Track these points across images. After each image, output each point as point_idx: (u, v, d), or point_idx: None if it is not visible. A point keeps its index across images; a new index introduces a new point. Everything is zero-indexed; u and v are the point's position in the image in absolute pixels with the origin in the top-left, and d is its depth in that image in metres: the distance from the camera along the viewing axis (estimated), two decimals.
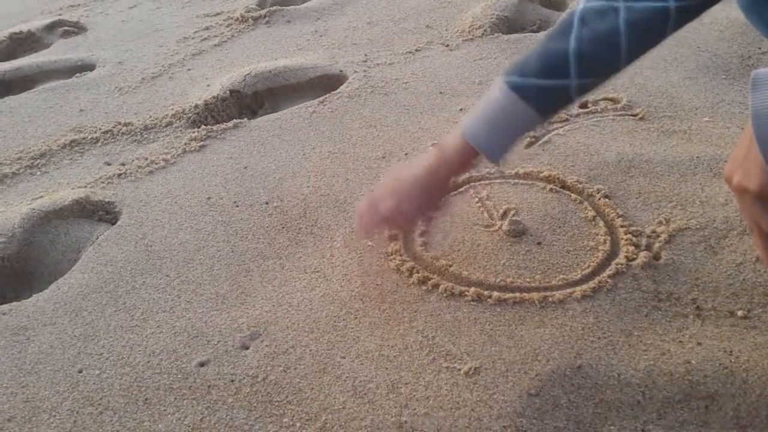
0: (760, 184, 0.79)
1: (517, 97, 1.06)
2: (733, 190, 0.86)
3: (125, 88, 2.44)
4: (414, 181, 1.17)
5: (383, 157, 1.74)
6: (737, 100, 1.80)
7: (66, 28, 3.24)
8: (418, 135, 1.82)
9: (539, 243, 1.34)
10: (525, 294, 1.21)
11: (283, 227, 1.51)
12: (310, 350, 1.16)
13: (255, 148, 1.88)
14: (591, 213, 1.39)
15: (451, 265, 1.30)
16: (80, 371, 1.18)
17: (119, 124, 2.11)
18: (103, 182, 1.79)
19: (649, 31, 1.00)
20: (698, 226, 1.32)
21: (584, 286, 1.21)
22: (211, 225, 1.55)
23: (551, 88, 1.04)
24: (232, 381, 1.12)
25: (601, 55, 1.01)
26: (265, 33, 2.86)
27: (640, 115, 1.76)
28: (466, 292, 1.23)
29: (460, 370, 1.08)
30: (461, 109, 1.93)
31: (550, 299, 1.19)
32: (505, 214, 1.43)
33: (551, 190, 1.49)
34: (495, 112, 1.09)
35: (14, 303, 1.39)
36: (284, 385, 1.10)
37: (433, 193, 1.20)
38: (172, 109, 2.17)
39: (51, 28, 3.24)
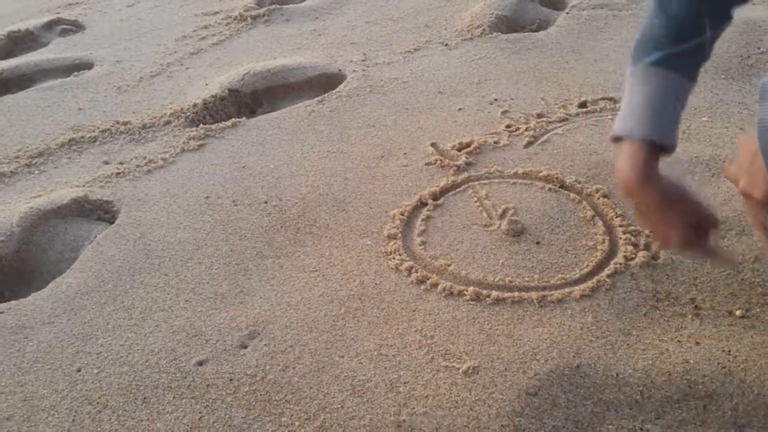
0: (765, 192, 0.80)
1: (663, 71, 1.00)
2: (740, 193, 0.87)
3: (123, 86, 2.44)
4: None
5: (382, 157, 1.74)
6: (736, 100, 1.80)
7: (64, 26, 3.23)
8: (417, 134, 1.82)
9: (538, 242, 1.34)
10: (524, 293, 1.21)
11: (281, 226, 1.51)
12: (309, 349, 1.16)
13: (254, 148, 1.87)
14: (590, 212, 1.39)
15: (449, 265, 1.30)
16: (79, 370, 1.18)
17: (117, 123, 2.11)
18: (101, 181, 1.78)
19: None
20: None
21: (583, 286, 1.21)
22: (209, 224, 1.55)
23: (692, 49, 0.99)
24: (231, 380, 1.11)
25: (722, 5, 0.99)
26: (264, 32, 2.86)
27: None
28: (465, 292, 1.23)
29: (458, 369, 1.08)
30: (460, 109, 1.93)
31: (549, 299, 1.19)
32: (503, 213, 1.43)
33: (550, 189, 1.49)
34: (652, 97, 1.01)
35: (12, 302, 1.39)
36: (283, 384, 1.10)
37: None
38: (171, 108, 2.17)
39: (49, 26, 3.23)
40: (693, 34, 0.99)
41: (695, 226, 0.96)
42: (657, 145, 0.99)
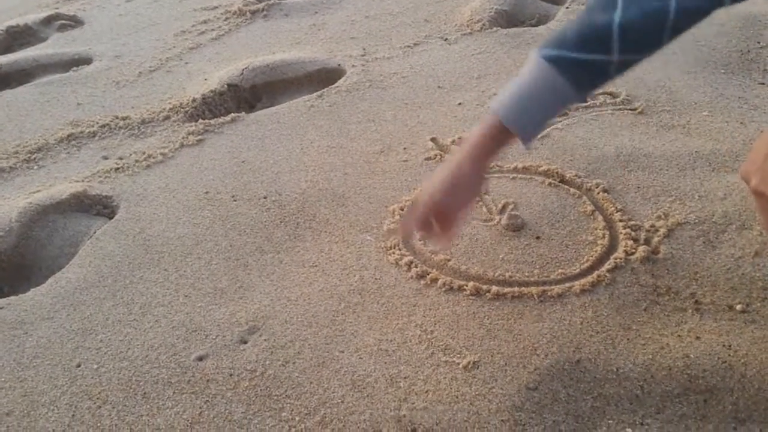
0: None
1: (552, 69, 1.00)
2: (751, 191, 0.87)
3: (122, 81, 2.43)
4: (447, 173, 1.08)
5: (381, 152, 1.73)
6: (736, 95, 1.80)
7: (63, 21, 3.22)
8: (416, 129, 1.82)
9: (538, 237, 1.34)
10: (524, 288, 1.21)
11: (281, 221, 1.50)
12: (309, 344, 1.16)
13: (253, 143, 1.87)
14: (590, 207, 1.39)
15: (449, 260, 1.30)
16: (78, 365, 1.17)
17: (117, 118, 2.11)
18: (100, 176, 1.78)
19: (698, 11, 0.97)
20: (697, 221, 1.32)
21: (583, 281, 1.21)
22: (209, 219, 1.54)
23: (590, 62, 0.97)
24: (231, 375, 1.11)
25: (644, 32, 0.98)
26: (263, 26, 2.85)
27: (639, 110, 1.76)
28: (465, 287, 1.22)
29: (458, 364, 1.08)
30: (460, 104, 1.93)
31: (549, 293, 1.19)
32: (503, 208, 1.43)
33: (550, 184, 1.49)
34: (528, 86, 1.02)
35: (12, 297, 1.38)
36: (283, 379, 1.09)
37: (468, 181, 1.08)
38: (170, 103, 2.16)
39: (48, 21, 3.22)
40: (599, 48, 0.97)
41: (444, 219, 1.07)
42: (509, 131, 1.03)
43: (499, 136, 1.05)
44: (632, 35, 0.96)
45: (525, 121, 1.03)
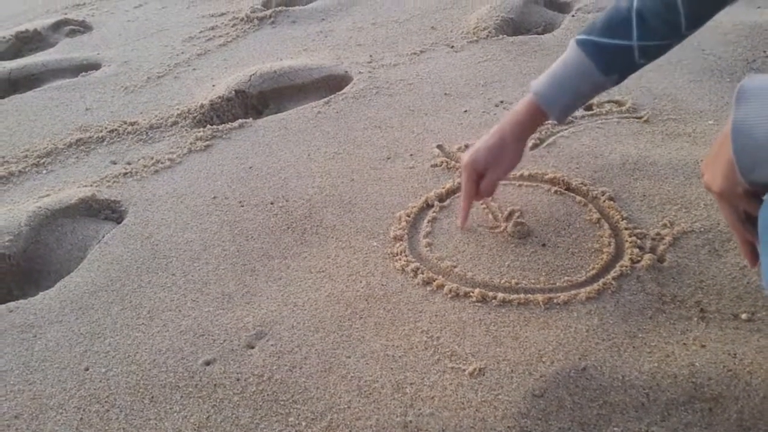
0: (721, 186, 0.85)
1: (580, 53, 1.10)
2: (705, 186, 0.92)
3: (131, 87, 2.45)
4: (490, 141, 1.26)
5: (388, 158, 1.74)
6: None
7: (72, 27, 3.25)
8: (423, 136, 1.83)
9: (544, 245, 1.34)
10: (530, 295, 1.22)
11: (288, 227, 1.51)
12: (316, 350, 1.16)
13: (260, 148, 1.88)
14: (596, 215, 1.40)
15: (456, 266, 1.31)
16: (87, 369, 1.18)
17: (125, 123, 2.12)
18: (108, 181, 1.79)
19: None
20: (702, 229, 1.32)
21: (589, 288, 1.21)
22: (216, 224, 1.55)
23: (612, 47, 1.07)
24: (238, 380, 1.12)
25: (660, 18, 1.02)
26: (270, 33, 2.87)
27: (644, 118, 1.76)
28: (471, 293, 1.23)
29: (464, 370, 1.08)
30: (466, 111, 1.94)
31: (555, 301, 1.19)
32: (510, 215, 1.43)
33: (556, 192, 1.49)
34: (560, 68, 1.14)
35: (21, 301, 1.40)
36: (290, 384, 1.10)
37: (509, 151, 1.26)
38: (178, 108, 2.18)
39: (57, 27, 3.25)
40: (620, 34, 1.06)
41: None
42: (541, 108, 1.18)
43: (535, 113, 1.21)
44: (648, 20, 1.01)
45: (556, 101, 1.16)
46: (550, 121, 1.27)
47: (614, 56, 1.09)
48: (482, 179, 1.29)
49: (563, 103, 1.17)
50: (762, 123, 0.74)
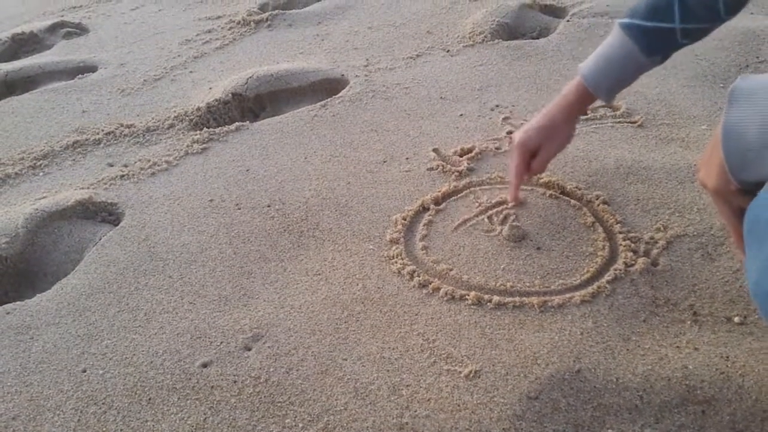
0: (716, 184, 0.87)
1: (624, 36, 1.16)
2: (699, 184, 0.95)
3: (127, 89, 2.45)
4: (541, 121, 1.32)
5: (384, 161, 1.75)
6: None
7: (68, 29, 3.25)
8: (419, 139, 1.84)
9: (539, 248, 1.35)
10: (525, 298, 1.23)
11: (285, 230, 1.52)
12: (312, 352, 1.17)
13: (257, 151, 1.89)
14: (590, 219, 1.41)
15: (451, 269, 1.32)
16: (84, 371, 1.19)
17: (121, 125, 2.13)
18: (105, 183, 1.80)
19: None
20: (696, 233, 1.34)
21: (583, 291, 1.22)
22: (213, 227, 1.56)
23: (655, 29, 1.12)
24: (235, 382, 1.13)
25: (701, 2, 1.07)
26: (267, 36, 2.88)
27: (638, 123, 1.78)
28: (467, 296, 1.24)
29: (460, 373, 1.09)
30: (461, 115, 1.95)
31: (550, 304, 1.21)
32: (505, 219, 1.44)
33: (551, 195, 1.50)
34: (606, 52, 1.21)
35: (18, 302, 1.40)
36: (287, 386, 1.11)
37: (559, 129, 1.33)
38: (175, 111, 2.19)
39: (53, 29, 3.25)
40: (662, 17, 1.11)
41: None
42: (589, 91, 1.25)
43: (583, 94, 1.27)
44: (689, 5, 1.06)
45: (602, 81, 1.23)
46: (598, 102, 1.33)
47: (657, 38, 1.14)
48: (534, 158, 1.35)
49: (609, 84, 1.23)
50: (752, 124, 0.75)
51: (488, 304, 1.22)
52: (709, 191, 0.91)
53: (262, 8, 3.25)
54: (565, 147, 1.36)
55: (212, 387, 1.12)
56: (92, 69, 2.74)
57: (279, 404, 1.08)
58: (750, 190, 0.82)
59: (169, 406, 1.10)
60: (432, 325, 1.19)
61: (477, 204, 1.50)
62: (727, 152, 0.79)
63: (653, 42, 1.15)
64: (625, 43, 1.17)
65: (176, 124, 2.10)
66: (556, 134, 1.33)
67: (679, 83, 1.98)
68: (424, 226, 1.46)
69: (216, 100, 2.19)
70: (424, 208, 1.52)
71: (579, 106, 1.31)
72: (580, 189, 1.50)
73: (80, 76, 2.66)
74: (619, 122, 1.81)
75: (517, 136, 1.35)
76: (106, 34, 3.18)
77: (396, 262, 1.35)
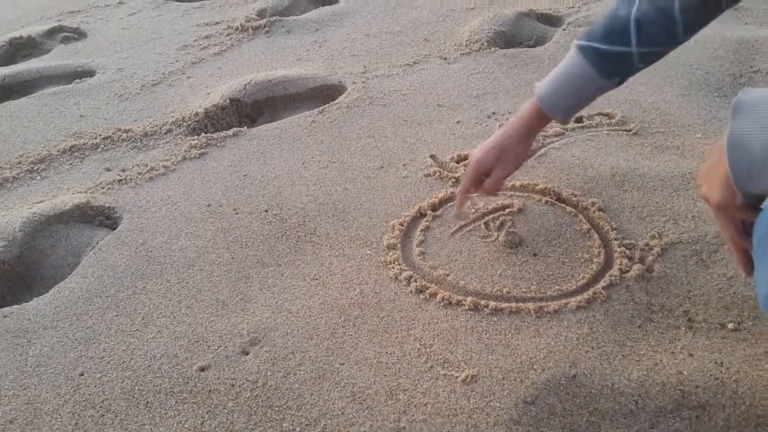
0: (720, 198, 0.86)
1: (581, 58, 1.16)
2: (701, 198, 0.94)
3: (125, 94, 2.46)
4: (497, 140, 1.31)
5: (381, 167, 1.76)
6: (729, 118, 1.83)
7: (66, 33, 3.25)
8: (416, 146, 1.85)
9: (535, 254, 1.36)
10: (521, 304, 1.24)
11: (282, 235, 1.53)
12: (310, 356, 1.18)
13: (254, 157, 1.90)
14: (586, 225, 1.42)
15: (448, 275, 1.33)
16: (81, 374, 1.19)
17: (119, 130, 2.13)
18: (103, 188, 1.80)
19: (705, 6, 1.05)
20: (690, 240, 1.35)
21: (579, 297, 1.23)
22: (211, 232, 1.57)
23: (612, 53, 1.12)
24: (233, 386, 1.13)
25: (658, 26, 1.06)
26: (265, 43, 2.89)
27: (634, 131, 1.79)
28: (464, 302, 1.25)
29: (457, 377, 1.10)
30: (458, 122, 1.96)
31: (546, 309, 1.21)
32: (501, 225, 1.45)
33: (547, 202, 1.52)
34: (563, 72, 1.20)
35: (15, 306, 1.40)
36: (284, 390, 1.11)
37: (514, 149, 1.30)
38: (172, 116, 2.19)
39: (51, 33, 3.25)
40: (619, 41, 1.11)
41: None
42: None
43: (540, 114, 1.26)
44: (646, 28, 1.06)
45: (557, 103, 1.22)
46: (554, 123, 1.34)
47: (614, 62, 1.13)
48: (488, 177, 1.34)
49: (566, 105, 1.23)
50: (757, 136, 0.76)
51: (485, 309, 1.23)
52: (713, 207, 0.90)
53: (260, 14, 3.26)
54: (517, 168, 1.35)
55: (210, 391, 1.13)
56: (90, 74, 2.75)
57: (276, 408, 1.08)
58: (754, 204, 0.82)
59: (166, 410, 1.10)
60: (429, 330, 1.20)
61: (474, 210, 1.51)
62: (733, 165, 0.79)
63: (610, 65, 1.14)
64: (582, 65, 1.16)
65: (174, 129, 2.11)
66: (510, 155, 1.31)
67: (674, 92, 2.00)
68: (421, 231, 1.47)
69: (214, 106, 2.20)
70: (421, 214, 1.53)
71: (535, 126, 1.29)
72: (575, 196, 1.52)
73: (78, 80, 2.66)
74: (615, 130, 1.82)
75: (475, 153, 1.34)
76: (104, 39, 3.18)
77: (393, 268, 1.36)
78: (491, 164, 1.31)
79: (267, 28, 3.02)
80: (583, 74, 1.16)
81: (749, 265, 0.91)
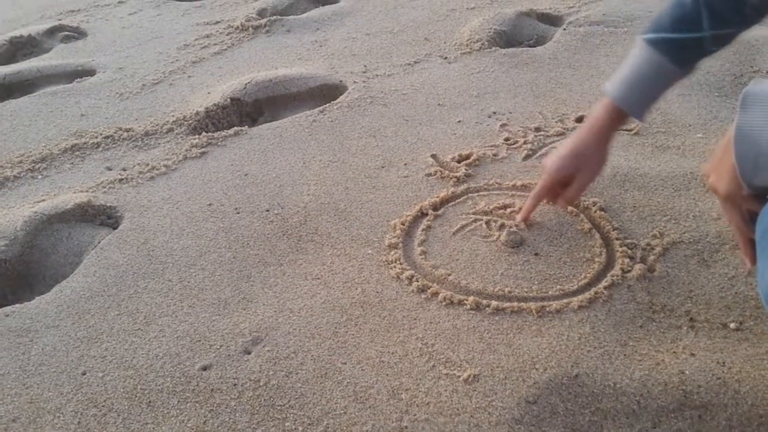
0: (727, 189, 0.88)
1: (652, 50, 1.14)
2: (709, 189, 0.95)
3: (126, 93, 2.46)
4: (571, 146, 1.30)
5: (382, 167, 1.76)
6: (730, 117, 1.84)
7: (66, 32, 3.25)
8: (416, 145, 1.85)
9: (537, 254, 1.37)
10: (523, 303, 1.24)
11: (283, 234, 1.53)
12: (312, 356, 1.18)
13: (255, 156, 1.90)
14: (587, 225, 1.42)
15: (450, 274, 1.33)
16: (84, 373, 1.19)
17: (120, 129, 2.13)
18: (104, 187, 1.80)
19: None
20: (691, 240, 1.35)
21: (581, 297, 1.23)
22: (212, 231, 1.57)
23: (684, 40, 1.11)
24: (235, 385, 1.13)
25: (728, 6, 1.06)
26: (266, 42, 2.89)
27: (634, 131, 1.80)
28: (465, 301, 1.25)
29: (459, 377, 1.10)
30: (459, 121, 1.96)
31: (548, 309, 1.22)
32: (502, 225, 1.45)
33: (548, 202, 1.52)
34: (634, 68, 1.18)
35: (16, 305, 1.40)
36: (286, 389, 1.11)
37: (592, 153, 1.29)
38: (173, 115, 2.19)
39: (51, 32, 3.25)
40: (690, 27, 1.10)
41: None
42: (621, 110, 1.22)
43: (614, 114, 1.24)
44: (717, 11, 1.06)
45: (634, 99, 1.21)
46: (633, 121, 1.33)
47: (688, 49, 1.13)
48: (566, 186, 1.33)
49: (643, 101, 1.21)
50: (765, 129, 0.76)
51: (486, 308, 1.23)
52: (720, 196, 0.91)
53: (261, 14, 3.26)
54: (599, 174, 1.33)
55: (212, 390, 1.13)
56: (91, 73, 2.74)
57: (278, 407, 1.08)
58: (761, 195, 0.82)
59: (168, 409, 1.10)
60: (431, 330, 1.20)
61: (475, 209, 1.51)
62: (740, 156, 0.80)
63: (684, 53, 1.14)
64: (654, 58, 1.15)
65: (175, 129, 2.11)
66: (590, 161, 1.29)
67: (674, 92, 2.00)
68: (422, 231, 1.47)
69: (214, 105, 2.20)
70: (423, 214, 1.53)
71: (612, 128, 1.27)
72: None
73: (79, 79, 2.66)
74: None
75: (549, 162, 1.32)
76: (105, 38, 3.18)
77: (395, 267, 1.36)
78: (569, 172, 1.30)
79: (267, 28, 3.02)
80: (657, 67, 1.16)
81: (754, 255, 0.91)
